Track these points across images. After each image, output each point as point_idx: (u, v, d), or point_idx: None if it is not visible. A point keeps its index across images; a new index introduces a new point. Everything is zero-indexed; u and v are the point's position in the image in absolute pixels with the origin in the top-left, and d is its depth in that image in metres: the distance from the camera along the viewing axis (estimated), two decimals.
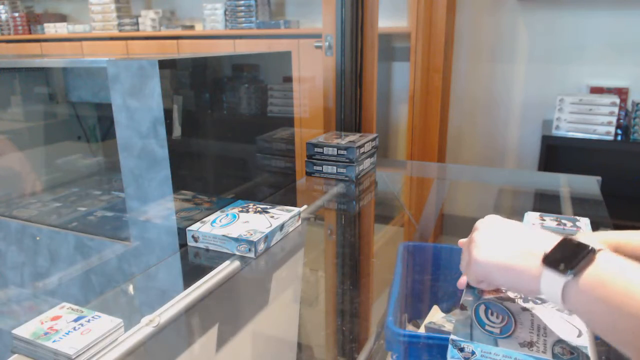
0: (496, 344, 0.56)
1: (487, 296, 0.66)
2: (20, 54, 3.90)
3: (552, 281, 0.52)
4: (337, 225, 1.28)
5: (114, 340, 0.69)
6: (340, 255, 1.09)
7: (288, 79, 1.43)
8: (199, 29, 3.55)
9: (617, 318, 0.46)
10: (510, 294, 0.66)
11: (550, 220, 1.06)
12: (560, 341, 0.56)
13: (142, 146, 1.00)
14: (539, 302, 0.64)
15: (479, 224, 0.64)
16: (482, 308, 0.63)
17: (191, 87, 1.04)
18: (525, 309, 0.62)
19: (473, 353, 0.56)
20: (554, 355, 0.54)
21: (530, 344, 0.56)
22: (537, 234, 0.58)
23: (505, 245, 0.58)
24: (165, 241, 1.04)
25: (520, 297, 0.65)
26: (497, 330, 0.59)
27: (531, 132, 2.75)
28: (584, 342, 0.56)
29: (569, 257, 0.51)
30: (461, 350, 0.57)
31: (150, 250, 1.07)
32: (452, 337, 0.57)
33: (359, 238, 1.20)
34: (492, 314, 0.62)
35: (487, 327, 0.59)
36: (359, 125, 1.83)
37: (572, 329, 0.58)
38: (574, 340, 0.56)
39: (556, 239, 0.55)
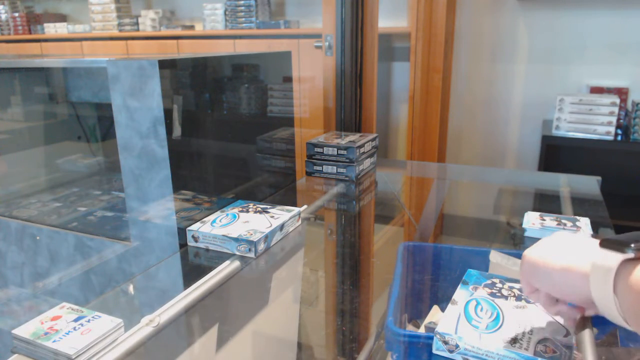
0: (480, 339, 0.57)
1: (480, 293, 0.67)
2: (20, 54, 3.90)
3: (606, 261, 0.50)
4: (337, 225, 1.28)
5: (114, 340, 0.69)
6: (340, 255, 1.09)
7: (288, 79, 1.43)
8: (199, 29, 3.55)
9: None
10: (504, 292, 0.67)
11: (550, 220, 1.06)
12: (545, 339, 0.57)
13: (142, 146, 1.00)
14: (532, 301, 0.64)
15: (544, 238, 0.63)
16: (472, 303, 0.64)
17: (191, 87, 1.04)
18: (517, 307, 0.63)
19: (457, 346, 0.58)
20: (536, 352, 0.55)
21: (514, 340, 0.57)
22: (596, 245, 0.56)
23: (559, 248, 0.57)
24: (165, 241, 1.04)
25: (514, 296, 0.66)
26: (482, 326, 0.60)
27: (531, 132, 2.75)
28: (570, 341, 0.56)
29: (627, 240, 0.49)
30: (446, 342, 0.58)
31: (150, 250, 1.07)
32: (437, 330, 0.59)
33: (359, 238, 1.20)
34: (481, 310, 0.63)
35: (473, 322, 0.60)
36: (359, 125, 1.83)
37: (560, 329, 0.59)
38: (560, 340, 0.57)
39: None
